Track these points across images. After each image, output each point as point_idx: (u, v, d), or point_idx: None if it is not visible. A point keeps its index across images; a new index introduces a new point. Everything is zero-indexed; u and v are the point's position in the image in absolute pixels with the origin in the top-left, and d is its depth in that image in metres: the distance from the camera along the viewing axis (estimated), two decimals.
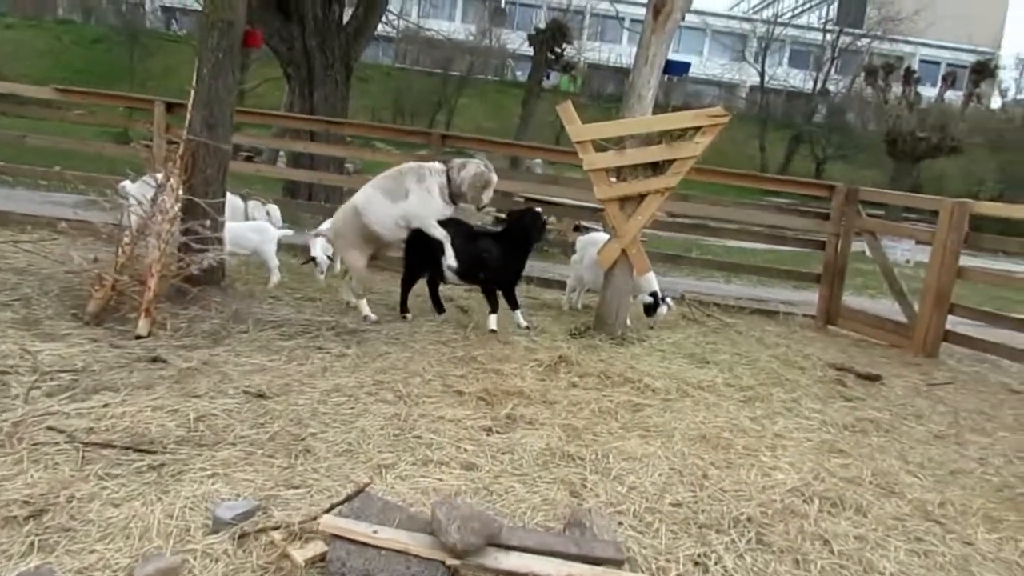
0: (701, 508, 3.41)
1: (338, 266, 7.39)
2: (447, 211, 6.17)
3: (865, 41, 40.74)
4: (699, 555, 3.02)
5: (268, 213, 7.91)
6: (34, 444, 3.25)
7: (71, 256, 5.64)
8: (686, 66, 6.96)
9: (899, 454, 4.42)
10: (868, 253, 8.29)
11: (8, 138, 10.37)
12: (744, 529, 3.25)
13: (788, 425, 4.68)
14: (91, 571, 2.45)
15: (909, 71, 31.50)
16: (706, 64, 44.90)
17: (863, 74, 34.00)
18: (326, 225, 6.98)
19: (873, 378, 5.98)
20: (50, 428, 3.42)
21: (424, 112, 34.81)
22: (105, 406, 3.74)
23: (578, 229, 13.13)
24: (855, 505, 3.61)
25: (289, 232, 7.48)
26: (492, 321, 6.17)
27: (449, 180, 6.14)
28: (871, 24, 41.26)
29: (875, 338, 7.62)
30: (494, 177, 6.26)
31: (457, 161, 6.27)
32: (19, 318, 5.00)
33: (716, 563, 2.96)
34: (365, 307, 6.23)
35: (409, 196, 6.10)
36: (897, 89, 30.74)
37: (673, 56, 6.66)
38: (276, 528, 2.79)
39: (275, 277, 7.00)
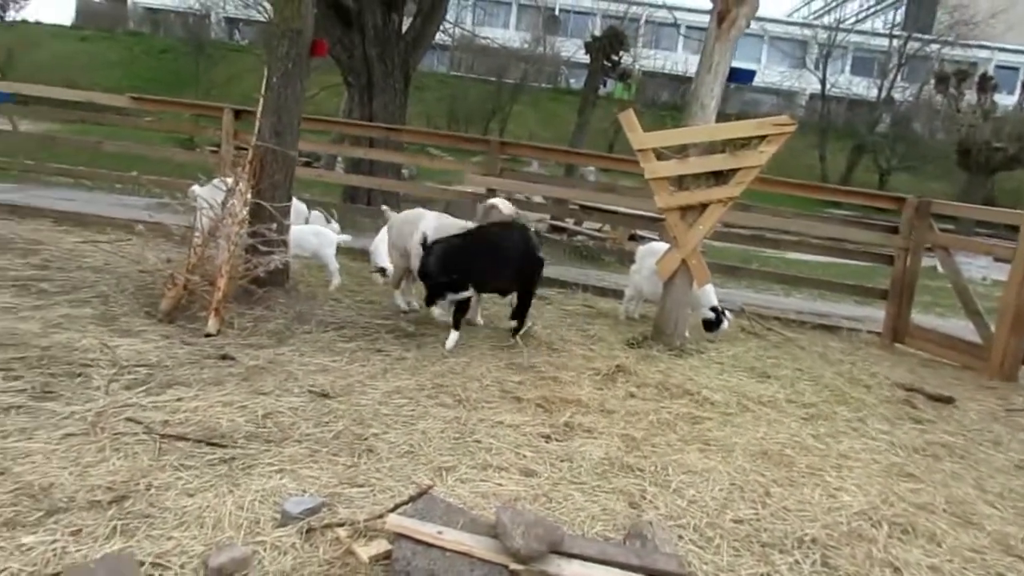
0: (763, 526, 3.35)
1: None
2: None
3: (935, 47, 39.44)
4: (762, 575, 2.97)
5: (329, 220, 8.01)
6: (115, 434, 3.39)
7: (146, 256, 5.86)
8: (751, 74, 6.97)
9: (975, 482, 4.23)
10: (940, 269, 8.04)
11: (86, 144, 10.80)
12: (808, 550, 3.18)
13: (854, 445, 4.57)
14: (168, 556, 2.54)
15: (985, 77, 30.26)
16: (764, 72, 44.15)
17: (932, 81, 32.94)
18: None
19: (945, 400, 5.77)
20: (129, 419, 3.56)
21: (478, 119, 35.09)
22: (179, 400, 3.88)
23: (634, 238, 13.10)
24: (928, 533, 3.48)
25: (348, 237, 7.60)
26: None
27: None
28: (942, 29, 39.92)
29: (946, 358, 7.35)
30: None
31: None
32: (98, 314, 5.21)
33: None
34: (399, 297, 6.51)
35: None
36: (971, 97, 29.61)
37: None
38: (341, 525, 2.84)
39: (335, 280, 7.11)
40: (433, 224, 6.08)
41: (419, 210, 6.62)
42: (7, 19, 42.00)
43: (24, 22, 42.22)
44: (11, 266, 6.19)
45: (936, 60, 38.62)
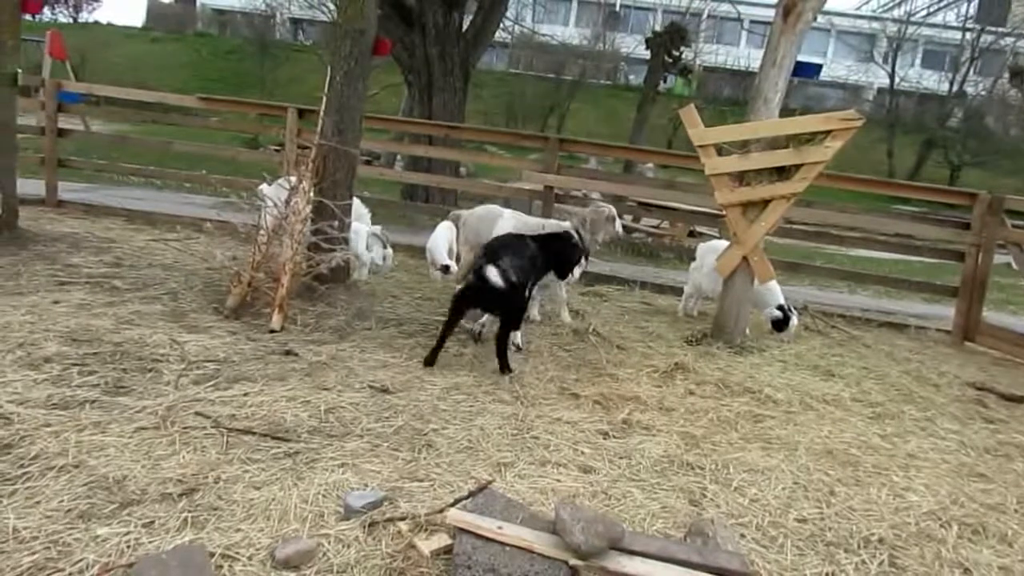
0: (828, 526, 3.29)
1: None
2: None
3: (1009, 40, 37.87)
4: (827, 574, 2.91)
5: (385, 246, 7.69)
6: (184, 428, 3.50)
7: (213, 254, 6.03)
8: (817, 68, 6.79)
9: None
10: (1014, 266, 7.74)
11: (156, 144, 11.18)
12: (875, 551, 3.11)
13: (922, 445, 4.43)
14: (237, 548, 2.61)
15: None
16: (831, 66, 43.00)
17: (1007, 75, 31.65)
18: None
19: (1018, 400, 5.56)
20: (198, 413, 3.67)
21: (536, 116, 35.06)
22: (245, 395, 3.99)
23: (693, 235, 12.93)
24: (999, 534, 3.38)
25: (377, 228, 7.47)
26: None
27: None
28: (1016, 22, 38.34)
29: (1019, 357, 7.07)
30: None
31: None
32: (167, 311, 5.40)
33: None
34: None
35: None
36: None
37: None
38: (403, 519, 2.88)
39: (357, 274, 6.98)
40: (511, 222, 6.10)
41: (494, 207, 6.64)
42: (80, 20, 43.69)
43: (97, 23, 43.86)
44: (85, 264, 6.45)
45: (1010, 54, 37.07)
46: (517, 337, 5.43)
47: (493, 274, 4.70)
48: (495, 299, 4.82)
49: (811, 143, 5.95)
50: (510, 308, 4.91)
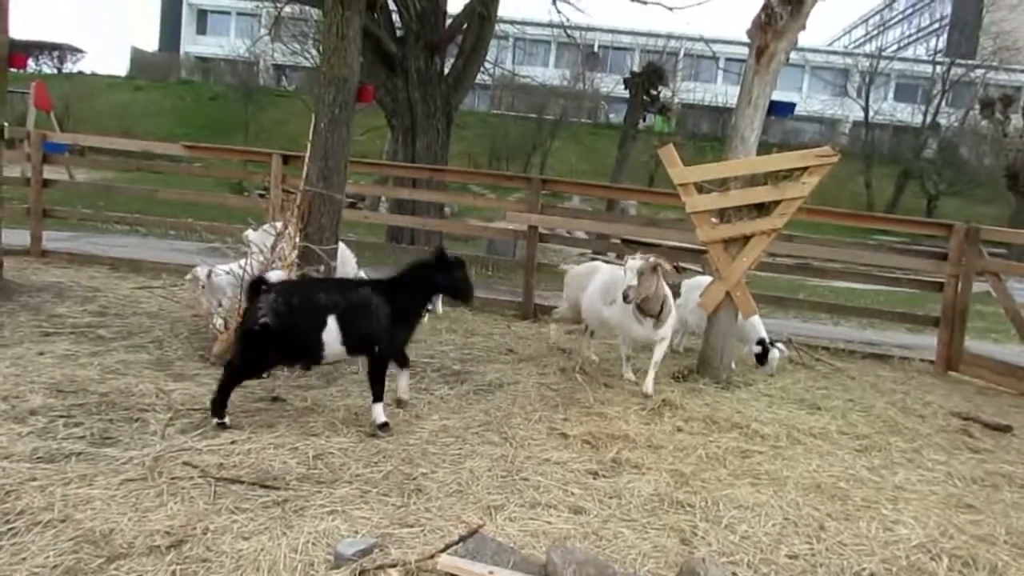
0: (819, 561, 3.30)
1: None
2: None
3: (979, 72, 38.90)
4: None
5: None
6: (172, 478, 3.49)
7: (199, 301, 6.02)
8: (791, 107, 6.95)
9: None
10: (993, 295, 7.85)
11: (141, 192, 11.21)
12: None
13: (910, 477, 4.46)
14: None
15: None
16: (806, 101, 43.89)
17: (978, 106, 32.44)
18: None
19: (1003, 429, 5.61)
20: (185, 463, 3.65)
21: (519, 156, 35.38)
22: (232, 443, 3.97)
23: (677, 270, 13.03)
24: (989, 565, 3.39)
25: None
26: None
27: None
28: (985, 54, 39.42)
29: (1002, 386, 7.13)
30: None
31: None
32: (153, 359, 5.38)
33: None
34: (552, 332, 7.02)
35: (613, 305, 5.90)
36: (1017, 121, 29.16)
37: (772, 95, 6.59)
38: (393, 566, 2.87)
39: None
40: (606, 277, 6.20)
41: (595, 263, 6.83)
42: (64, 71, 43.88)
43: (81, 73, 44.06)
44: (70, 313, 6.43)
45: (980, 85, 38.05)
46: None
47: None
48: None
49: (789, 179, 6.06)
50: None
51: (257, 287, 4.38)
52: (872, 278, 9.97)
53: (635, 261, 5.42)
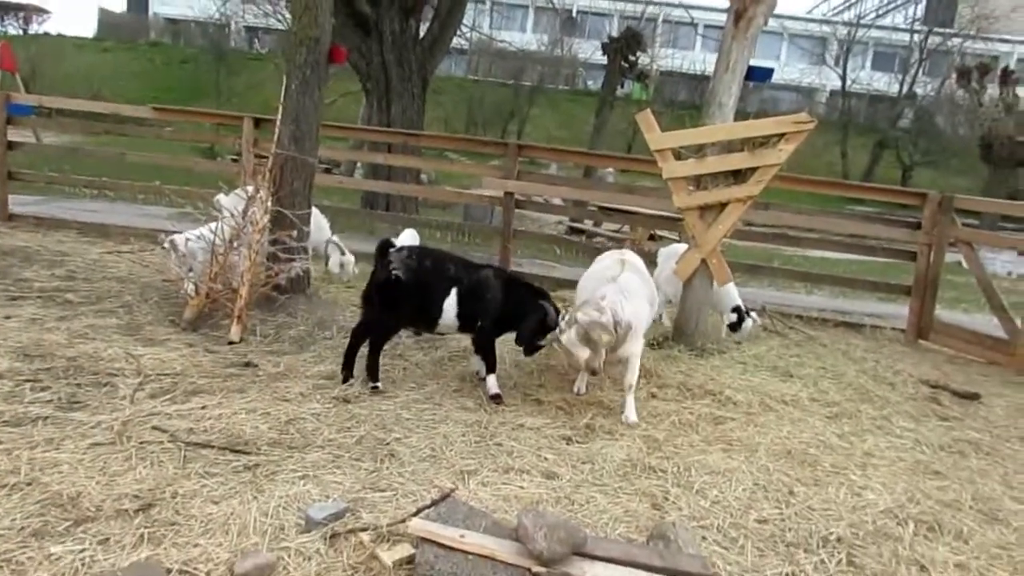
0: (788, 526, 3.34)
1: None
2: None
3: (956, 41, 38.96)
4: (787, 574, 2.96)
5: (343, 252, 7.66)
6: (141, 442, 3.44)
7: (169, 266, 5.91)
8: (769, 72, 6.81)
9: (1002, 479, 4.20)
10: (964, 264, 7.92)
11: (110, 156, 10.95)
12: (834, 549, 3.17)
13: (879, 443, 4.53)
14: (195, 564, 2.57)
15: (1007, 71, 29.95)
16: (784, 69, 43.80)
17: (954, 76, 32.58)
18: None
19: (971, 397, 5.70)
20: (155, 428, 3.61)
21: (496, 122, 35.05)
22: (203, 408, 3.93)
23: (654, 238, 13.04)
24: (954, 531, 3.46)
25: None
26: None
27: None
28: (963, 23, 39.43)
29: (971, 354, 7.25)
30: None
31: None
32: (123, 324, 5.29)
33: None
34: None
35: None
36: (993, 91, 29.32)
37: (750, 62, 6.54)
38: (364, 529, 2.87)
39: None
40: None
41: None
42: (31, 31, 42.67)
43: (47, 34, 42.82)
44: (37, 278, 6.29)
45: (957, 54, 38.13)
46: None
47: None
48: None
49: (765, 146, 6.05)
50: None
51: (385, 248, 4.64)
52: (846, 247, 10.03)
53: (569, 332, 4.29)
